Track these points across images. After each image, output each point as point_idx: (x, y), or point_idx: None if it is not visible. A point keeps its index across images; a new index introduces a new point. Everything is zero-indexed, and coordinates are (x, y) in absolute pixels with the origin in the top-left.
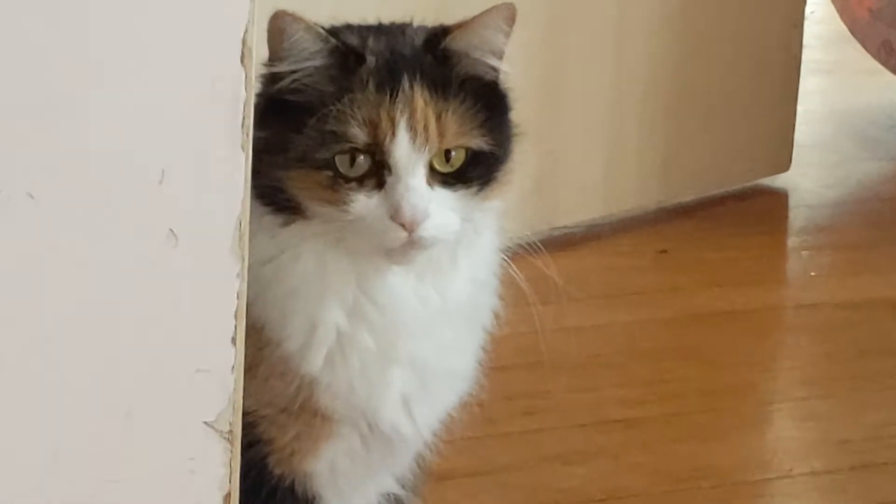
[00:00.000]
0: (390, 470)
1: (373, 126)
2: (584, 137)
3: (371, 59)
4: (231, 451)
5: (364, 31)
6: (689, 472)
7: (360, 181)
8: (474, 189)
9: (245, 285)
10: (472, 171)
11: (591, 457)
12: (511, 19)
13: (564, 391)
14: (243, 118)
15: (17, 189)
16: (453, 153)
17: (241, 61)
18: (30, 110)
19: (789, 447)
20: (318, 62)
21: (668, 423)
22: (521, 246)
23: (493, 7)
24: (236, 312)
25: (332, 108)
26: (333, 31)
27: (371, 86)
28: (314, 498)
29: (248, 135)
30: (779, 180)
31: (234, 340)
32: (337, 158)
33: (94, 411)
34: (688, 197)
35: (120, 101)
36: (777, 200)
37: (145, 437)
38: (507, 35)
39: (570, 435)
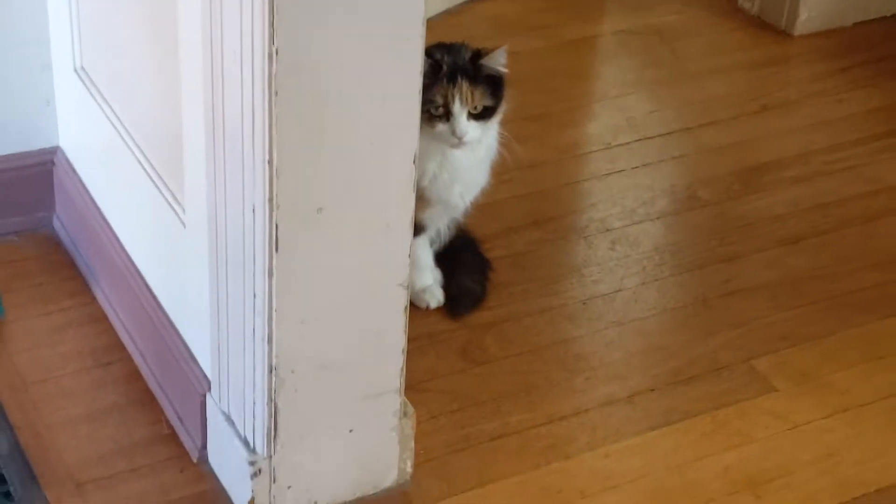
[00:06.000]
0: (453, 215)
1: (444, 97)
2: None
3: (445, 67)
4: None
5: (443, 47)
6: None
7: (440, 118)
8: (486, 121)
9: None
10: (485, 114)
11: None
12: (505, 53)
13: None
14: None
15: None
16: (478, 107)
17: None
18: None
19: None
20: (427, 67)
21: None
22: None
23: (500, 47)
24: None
25: (431, 88)
26: (429, 51)
27: (445, 80)
28: (424, 227)
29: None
30: None
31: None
32: (431, 108)
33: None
34: None
35: (371, 170)
36: None
37: (399, 237)
38: (505, 58)
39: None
